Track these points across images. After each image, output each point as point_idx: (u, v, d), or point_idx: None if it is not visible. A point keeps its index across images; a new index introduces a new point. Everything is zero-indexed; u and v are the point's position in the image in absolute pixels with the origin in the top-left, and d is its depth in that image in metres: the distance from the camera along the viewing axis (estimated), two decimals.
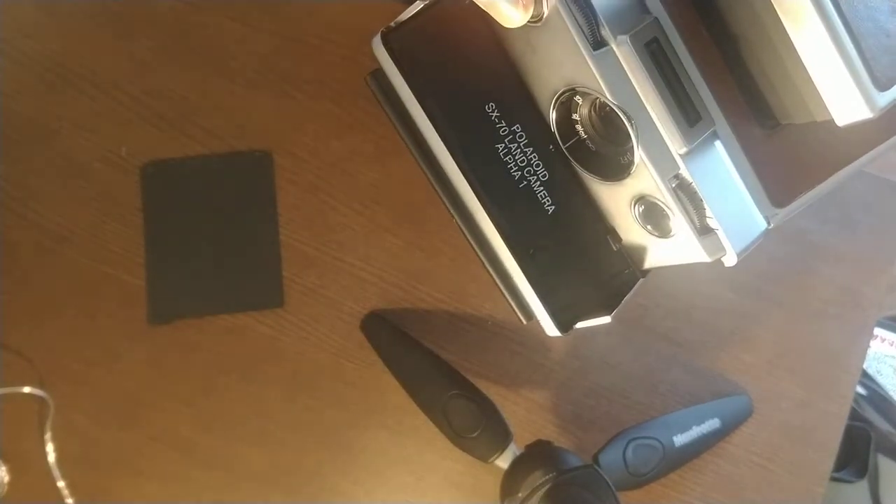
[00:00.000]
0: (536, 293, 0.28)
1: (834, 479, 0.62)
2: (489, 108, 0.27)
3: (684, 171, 0.24)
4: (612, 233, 0.28)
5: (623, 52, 0.23)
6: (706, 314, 0.52)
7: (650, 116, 0.23)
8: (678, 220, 0.25)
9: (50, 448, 0.49)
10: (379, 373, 0.49)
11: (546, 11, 0.23)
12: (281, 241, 0.51)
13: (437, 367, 0.47)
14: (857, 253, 0.53)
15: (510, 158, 0.27)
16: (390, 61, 0.26)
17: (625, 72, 0.23)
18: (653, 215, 0.26)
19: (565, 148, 0.27)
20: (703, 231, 0.25)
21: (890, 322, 1.04)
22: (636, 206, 0.26)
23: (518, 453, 0.45)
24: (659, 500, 0.50)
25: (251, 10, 0.53)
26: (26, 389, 0.49)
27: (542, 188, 0.27)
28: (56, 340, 0.50)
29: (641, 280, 0.29)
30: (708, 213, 0.24)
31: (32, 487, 0.49)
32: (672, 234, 0.26)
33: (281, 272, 0.51)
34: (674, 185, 0.24)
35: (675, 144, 0.23)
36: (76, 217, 0.50)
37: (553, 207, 0.28)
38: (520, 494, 0.41)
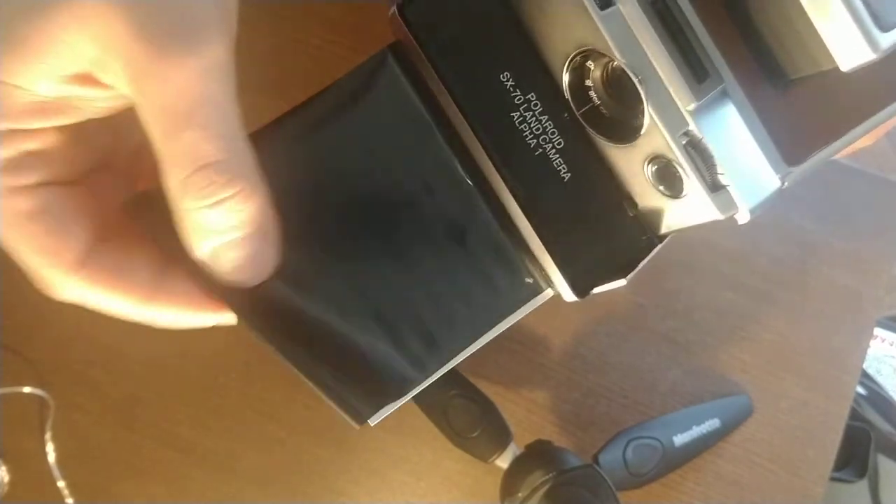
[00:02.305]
0: (553, 259, 0.28)
1: (834, 479, 0.62)
2: (504, 77, 0.27)
3: (693, 128, 0.24)
4: (627, 198, 0.28)
5: (629, 10, 0.23)
6: (706, 314, 0.52)
7: (658, 74, 0.24)
8: (690, 178, 0.25)
9: (50, 448, 0.49)
10: None
11: None
12: None
13: None
14: (857, 253, 0.53)
15: (525, 127, 0.27)
16: (407, 33, 0.26)
17: (632, 31, 0.23)
18: (665, 175, 0.26)
19: (579, 114, 0.27)
20: (715, 188, 0.25)
21: (890, 322, 1.04)
22: (649, 167, 0.26)
23: (518, 453, 0.45)
24: (659, 500, 0.50)
25: (251, 10, 0.53)
26: (26, 389, 0.49)
27: (557, 156, 0.28)
28: (56, 340, 0.50)
29: (659, 246, 0.29)
30: (719, 169, 0.25)
31: (32, 487, 0.49)
32: (685, 193, 0.26)
33: None
34: (684, 142, 0.25)
35: (683, 101, 0.24)
36: None
37: (569, 175, 0.28)
38: (520, 494, 0.41)
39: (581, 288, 0.28)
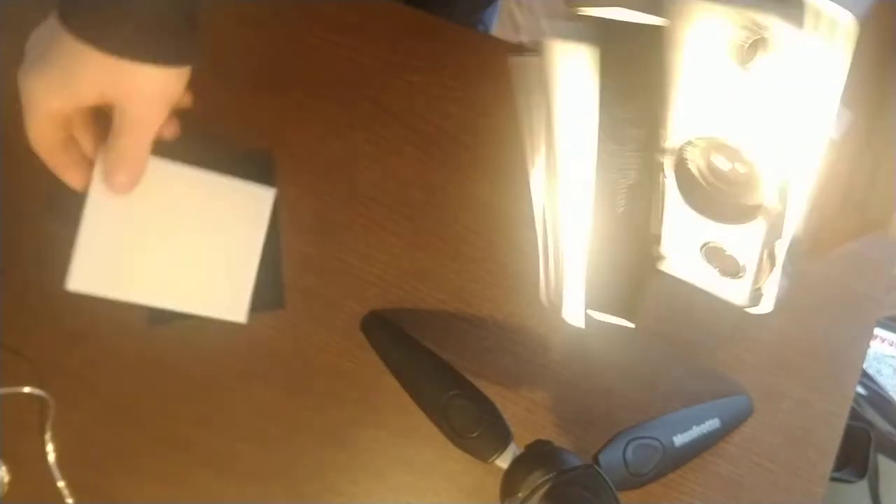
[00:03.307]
0: (571, 282, 0.28)
1: (834, 479, 0.62)
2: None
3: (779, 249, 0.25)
4: (656, 243, 0.29)
5: None
6: (706, 314, 0.52)
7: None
8: (747, 276, 0.26)
9: (50, 448, 0.49)
10: (379, 373, 0.49)
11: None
12: (281, 242, 0.51)
13: (437, 367, 0.47)
14: (857, 253, 0.53)
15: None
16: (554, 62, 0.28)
17: None
18: (721, 259, 0.26)
19: (672, 163, 0.28)
20: (755, 295, 0.25)
21: (890, 322, 1.04)
22: (704, 249, 0.26)
23: (518, 453, 0.45)
24: (659, 500, 0.50)
25: (251, 9, 0.53)
26: (26, 389, 0.49)
27: (624, 189, 0.29)
28: (56, 340, 0.50)
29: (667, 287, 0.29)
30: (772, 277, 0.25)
31: (32, 487, 0.49)
32: (733, 277, 0.26)
33: (281, 273, 0.51)
34: (766, 252, 0.26)
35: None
36: (76, 217, 0.50)
37: (623, 209, 0.29)
38: (520, 494, 0.41)
39: (587, 317, 0.29)
